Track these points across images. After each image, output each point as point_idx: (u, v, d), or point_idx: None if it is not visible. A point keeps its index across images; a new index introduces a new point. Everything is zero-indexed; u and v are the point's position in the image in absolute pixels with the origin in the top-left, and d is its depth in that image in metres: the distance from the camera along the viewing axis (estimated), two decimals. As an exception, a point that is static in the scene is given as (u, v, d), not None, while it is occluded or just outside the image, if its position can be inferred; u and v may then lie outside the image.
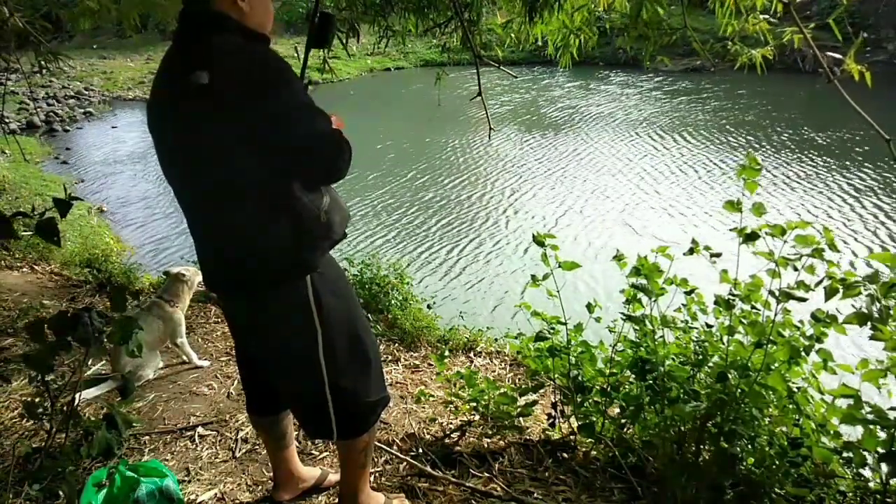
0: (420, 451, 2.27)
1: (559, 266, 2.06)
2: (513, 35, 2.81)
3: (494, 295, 5.73)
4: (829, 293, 1.52)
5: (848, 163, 8.94)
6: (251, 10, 1.42)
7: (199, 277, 3.03)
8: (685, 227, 7.06)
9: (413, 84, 18.07)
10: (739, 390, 1.71)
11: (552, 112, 13.71)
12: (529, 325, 2.33)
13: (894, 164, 8.09)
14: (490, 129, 3.26)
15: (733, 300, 1.80)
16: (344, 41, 2.46)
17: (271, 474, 2.04)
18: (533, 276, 2.14)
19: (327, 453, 2.29)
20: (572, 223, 7.38)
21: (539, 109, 14.11)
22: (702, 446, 1.84)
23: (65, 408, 1.66)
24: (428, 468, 2.14)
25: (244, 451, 2.32)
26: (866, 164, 8.79)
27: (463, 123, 12.63)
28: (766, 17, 2.16)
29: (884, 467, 1.51)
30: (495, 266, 6.35)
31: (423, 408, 2.68)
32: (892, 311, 1.47)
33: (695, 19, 2.23)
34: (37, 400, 1.39)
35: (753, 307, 1.80)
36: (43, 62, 2.91)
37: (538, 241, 2.06)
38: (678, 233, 6.82)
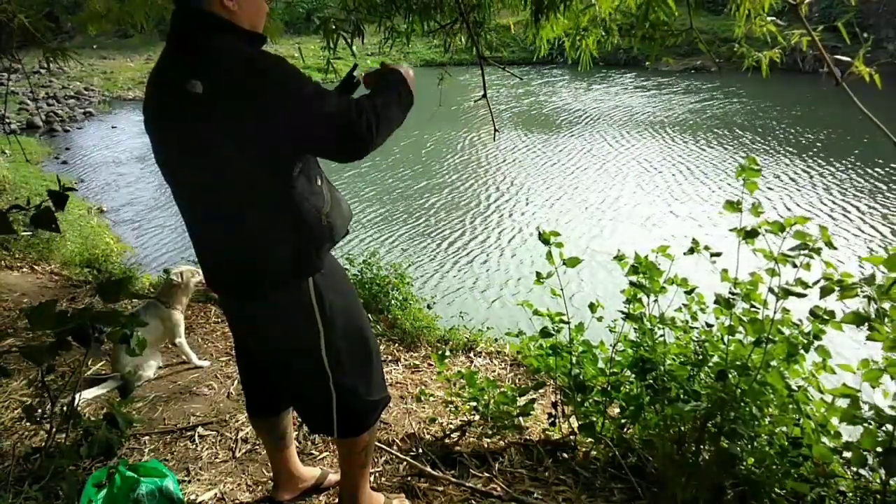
0: (420, 451, 2.27)
1: (564, 263, 2.06)
2: (529, 36, 2.79)
3: (492, 294, 5.74)
4: (824, 293, 1.52)
5: (845, 163, 8.95)
6: (240, 10, 1.38)
7: (196, 278, 3.03)
8: (683, 224, 7.09)
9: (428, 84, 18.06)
10: (739, 389, 1.72)
11: (553, 112, 13.72)
12: (531, 323, 2.33)
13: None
14: (495, 129, 3.24)
15: (733, 299, 1.80)
16: (349, 42, 2.46)
17: (271, 474, 2.04)
18: (538, 273, 2.14)
19: (327, 453, 2.29)
20: (572, 221, 7.39)
21: (540, 109, 14.12)
22: (702, 446, 1.84)
23: (65, 408, 1.66)
24: (428, 468, 2.14)
25: (244, 451, 2.32)
26: (863, 163, 8.80)
27: (463, 122, 12.64)
28: (774, 18, 2.15)
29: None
30: (495, 264, 6.35)
31: (423, 408, 2.68)
32: (888, 312, 1.48)
33: (695, 20, 2.22)
34: (35, 402, 1.38)
35: (753, 306, 1.80)
36: (50, 59, 2.91)
37: (543, 238, 2.06)
38: (678, 232, 6.84)
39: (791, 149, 9.88)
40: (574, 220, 7.48)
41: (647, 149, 10.35)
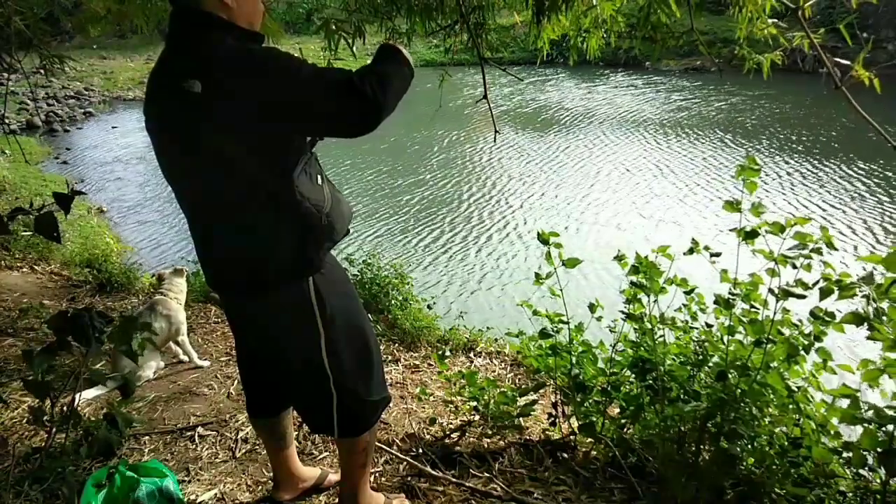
0: (420, 451, 2.27)
1: (563, 264, 2.06)
2: (531, 37, 2.79)
3: (491, 294, 5.75)
4: (824, 294, 1.52)
5: (843, 162, 8.95)
6: (238, 9, 1.38)
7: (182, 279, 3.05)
8: (683, 227, 7.10)
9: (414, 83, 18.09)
10: (739, 390, 1.72)
11: (552, 112, 13.72)
12: (531, 324, 2.34)
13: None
14: (496, 131, 3.24)
15: (733, 299, 1.80)
16: (350, 43, 2.46)
17: (271, 474, 2.04)
18: (537, 275, 2.14)
19: (327, 453, 2.29)
20: (574, 223, 7.39)
21: (539, 109, 14.12)
22: (702, 446, 1.84)
23: (65, 408, 1.66)
24: (428, 468, 2.14)
25: (244, 451, 2.32)
26: (847, 164, 8.81)
27: (455, 122, 12.65)
28: (775, 20, 2.15)
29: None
30: (491, 264, 6.35)
31: (423, 408, 2.68)
32: (887, 312, 1.48)
33: (696, 21, 2.22)
34: (37, 403, 1.38)
35: (753, 306, 1.81)
36: (47, 65, 2.91)
37: (543, 239, 2.06)
38: (678, 235, 6.85)
39: (776, 149, 9.88)
40: (554, 218, 7.48)
41: (631, 148, 10.36)
